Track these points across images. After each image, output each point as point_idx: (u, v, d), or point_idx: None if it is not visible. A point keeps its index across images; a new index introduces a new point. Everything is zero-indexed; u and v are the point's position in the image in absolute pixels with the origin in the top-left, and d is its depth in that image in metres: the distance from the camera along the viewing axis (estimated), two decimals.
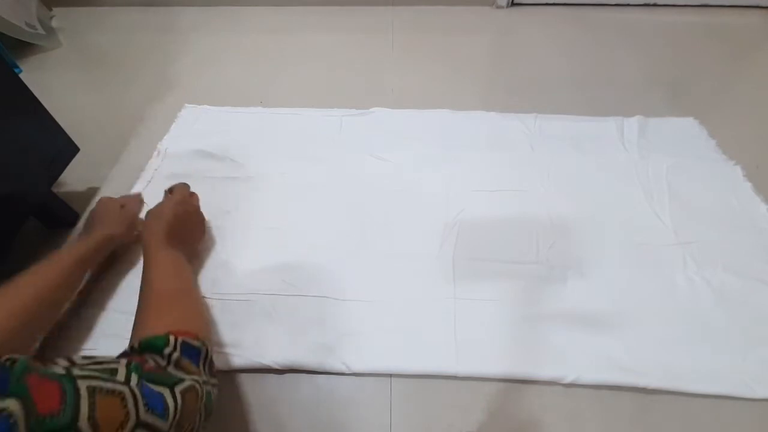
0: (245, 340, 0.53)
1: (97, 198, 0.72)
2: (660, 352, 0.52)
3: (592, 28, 1.13)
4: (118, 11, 1.22)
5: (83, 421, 0.23)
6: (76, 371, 0.26)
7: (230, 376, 0.51)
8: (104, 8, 1.23)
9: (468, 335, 0.53)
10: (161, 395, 0.30)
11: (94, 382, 0.26)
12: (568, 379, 0.50)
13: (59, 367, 0.26)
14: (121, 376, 0.29)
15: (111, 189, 0.74)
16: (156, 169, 0.75)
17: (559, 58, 1.03)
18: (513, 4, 1.22)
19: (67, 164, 0.66)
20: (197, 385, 0.34)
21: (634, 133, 0.79)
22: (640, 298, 0.57)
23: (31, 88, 0.59)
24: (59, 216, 0.67)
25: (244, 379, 0.51)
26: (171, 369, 0.35)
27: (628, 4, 1.20)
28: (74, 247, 0.52)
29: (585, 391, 0.50)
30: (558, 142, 0.78)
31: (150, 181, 0.73)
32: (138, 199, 0.65)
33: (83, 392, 0.24)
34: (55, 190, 0.65)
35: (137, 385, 0.29)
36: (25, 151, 0.59)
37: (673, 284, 0.58)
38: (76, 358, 0.29)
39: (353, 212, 0.67)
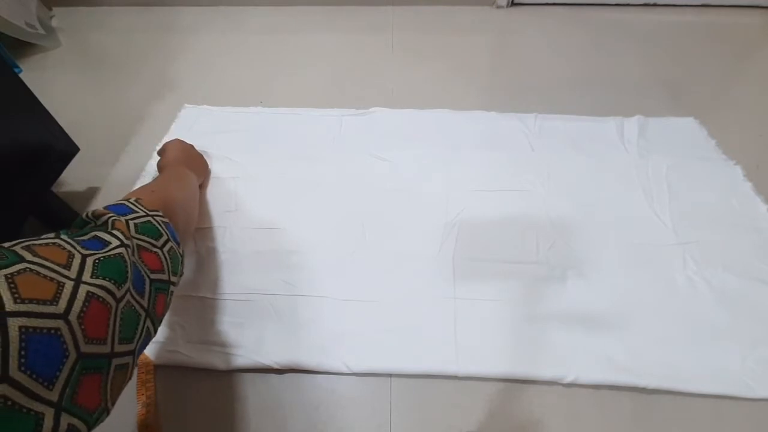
0: (245, 340, 0.54)
1: (97, 198, 0.73)
2: (660, 352, 0.52)
3: (592, 28, 1.13)
4: (118, 11, 1.22)
5: (28, 257, 0.25)
6: (5, 244, 0.27)
7: (230, 376, 0.52)
8: (104, 8, 1.22)
9: (468, 335, 0.54)
10: (95, 237, 0.32)
11: (27, 242, 0.27)
12: (568, 379, 0.50)
13: None
14: (50, 235, 0.30)
15: (111, 189, 0.74)
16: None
17: (559, 58, 1.03)
18: (513, 4, 1.22)
19: (67, 164, 0.66)
20: (118, 217, 0.36)
21: (634, 133, 0.79)
22: (640, 298, 0.57)
23: (31, 88, 0.59)
24: (59, 216, 0.67)
25: (244, 379, 0.51)
26: (97, 223, 0.36)
27: (628, 4, 1.20)
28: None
29: (585, 391, 0.50)
30: (558, 142, 0.78)
31: None
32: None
33: (19, 249, 0.26)
34: (55, 190, 0.65)
35: (69, 237, 0.30)
36: (24, 151, 0.59)
37: (673, 284, 0.58)
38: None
39: (353, 212, 0.67)
